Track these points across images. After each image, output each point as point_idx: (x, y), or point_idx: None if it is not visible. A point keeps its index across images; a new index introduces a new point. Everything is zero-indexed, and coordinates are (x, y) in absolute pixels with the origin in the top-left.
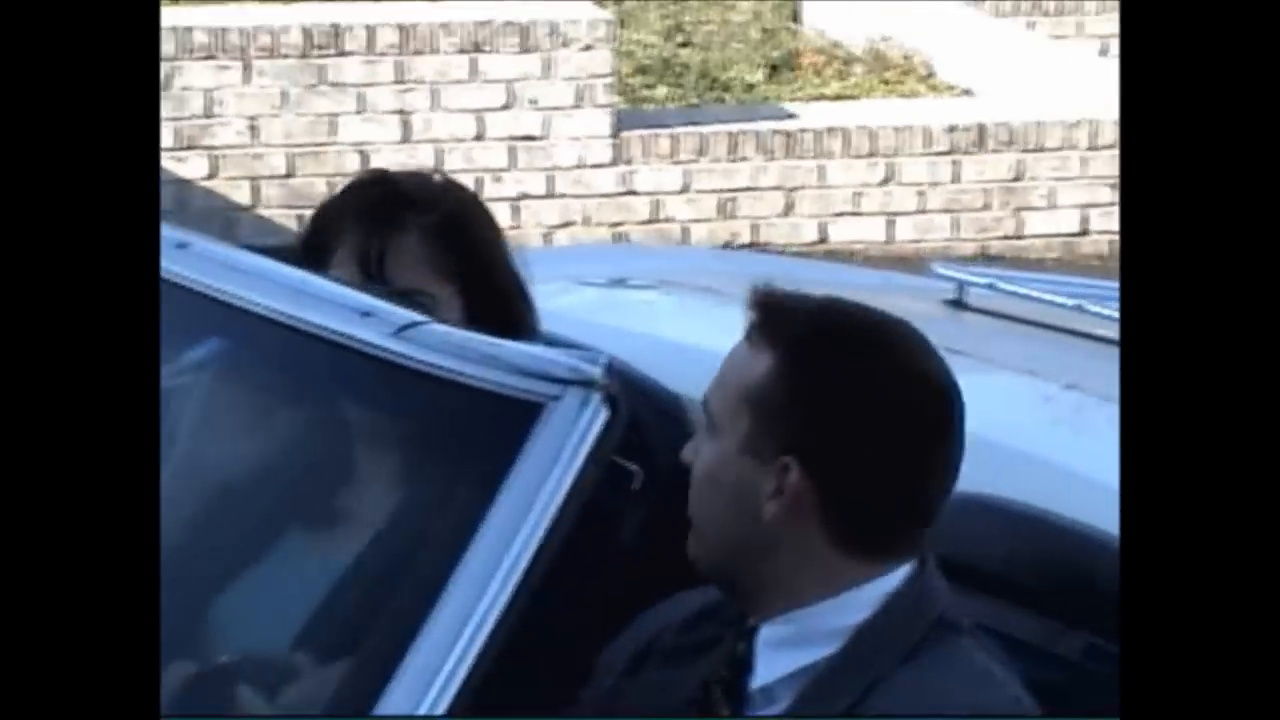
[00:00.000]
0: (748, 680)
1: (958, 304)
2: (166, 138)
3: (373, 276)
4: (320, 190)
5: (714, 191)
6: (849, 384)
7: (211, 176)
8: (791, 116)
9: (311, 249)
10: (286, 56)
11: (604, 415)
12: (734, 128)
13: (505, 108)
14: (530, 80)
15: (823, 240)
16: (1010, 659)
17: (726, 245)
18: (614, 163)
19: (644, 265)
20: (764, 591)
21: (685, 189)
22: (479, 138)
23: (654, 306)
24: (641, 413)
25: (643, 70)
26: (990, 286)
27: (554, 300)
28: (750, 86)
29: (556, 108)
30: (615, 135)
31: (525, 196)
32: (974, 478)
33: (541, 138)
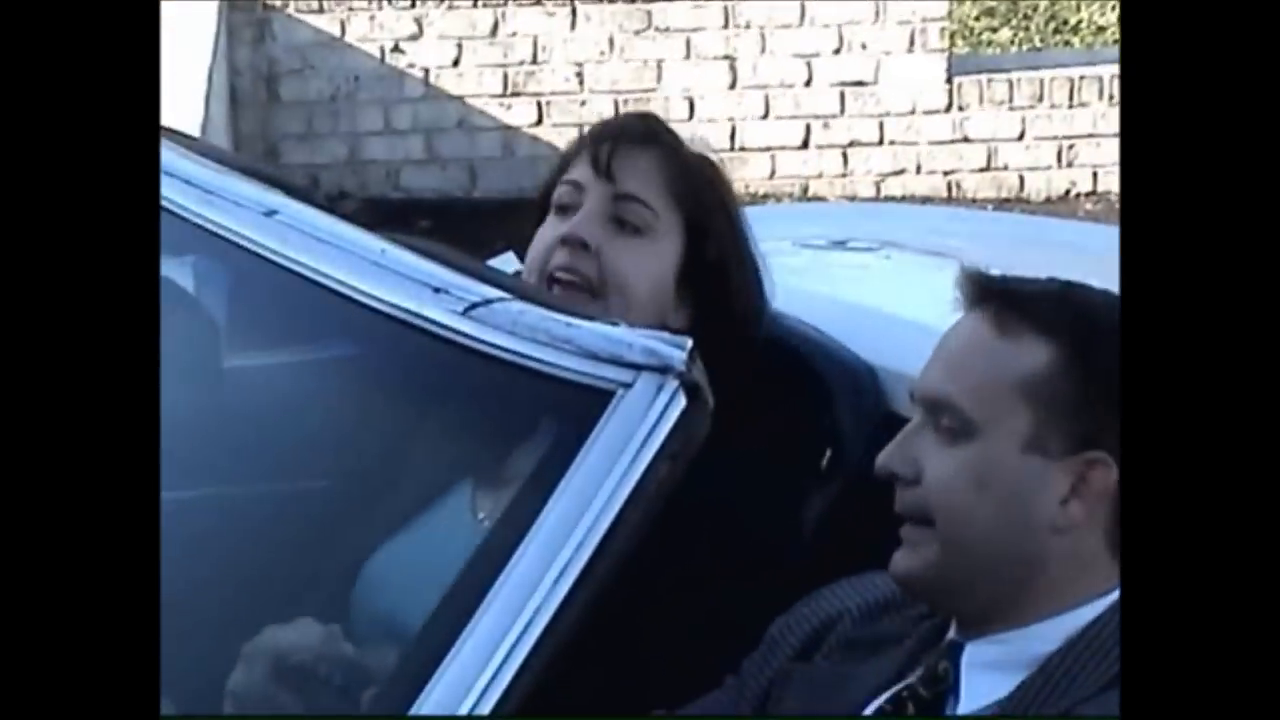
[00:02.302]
0: (948, 703)
1: None
2: (494, 83)
3: (599, 171)
4: None
5: (1052, 139)
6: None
7: (538, 123)
8: None
9: (557, 168)
10: (614, 1)
11: (681, 404)
12: (1075, 72)
13: (835, 52)
14: (861, 24)
15: None
16: None
17: (1066, 195)
18: (947, 109)
19: (871, 226)
20: (1001, 606)
21: (1022, 136)
22: (808, 83)
23: (869, 271)
24: (833, 388)
25: (988, 13)
26: None
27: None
28: (1101, 29)
29: (888, 52)
30: (949, 80)
31: (855, 143)
32: None
33: (872, 83)
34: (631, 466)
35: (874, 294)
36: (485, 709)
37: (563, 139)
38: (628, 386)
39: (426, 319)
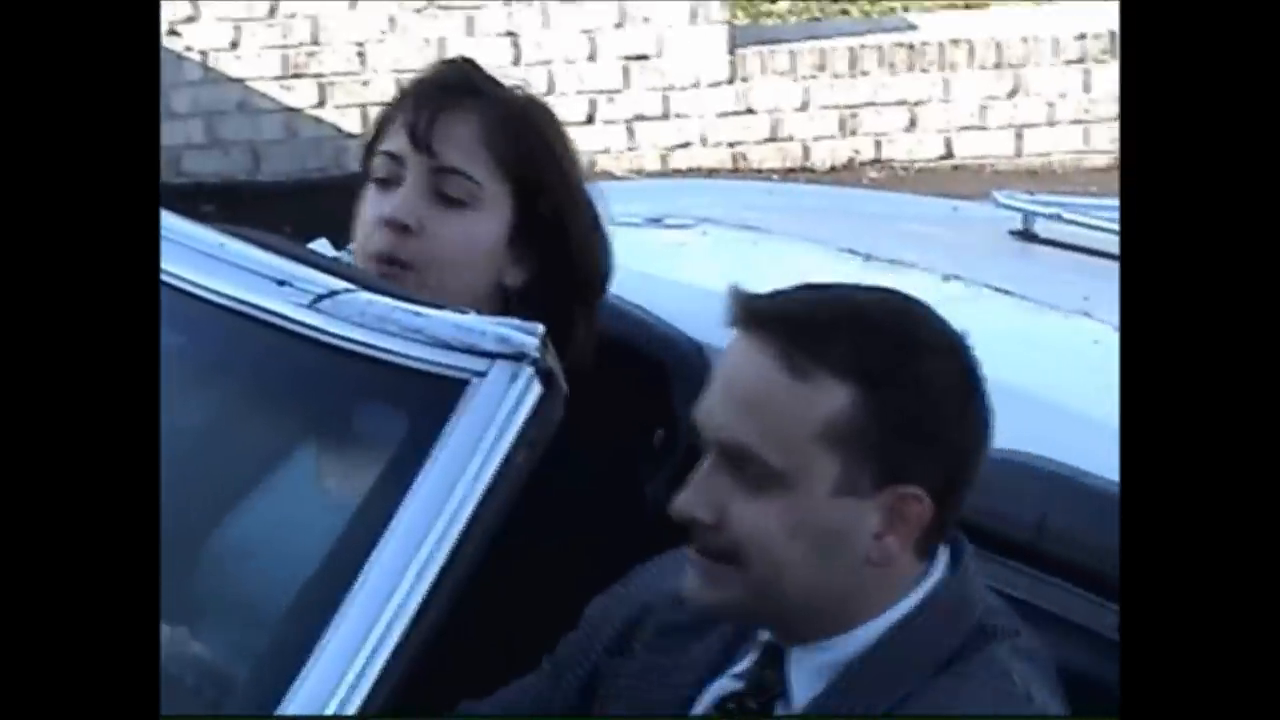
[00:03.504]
0: (776, 706)
1: (1024, 234)
2: (274, 65)
3: (418, 145)
4: None
5: (835, 108)
6: (933, 392)
7: (320, 104)
8: (914, 28)
9: (375, 134)
10: None
11: (536, 391)
12: (855, 41)
13: (618, 26)
14: None
15: (948, 155)
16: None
17: (849, 163)
18: (731, 80)
19: (686, 203)
20: (821, 618)
21: (805, 106)
22: (591, 58)
23: (687, 248)
24: (661, 366)
25: None
26: (1057, 217)
27: None
28: None
29: (670, 25)
30: (731, 52)
31: (640, 117)
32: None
33: (655, 56)
34: (490, 455)
35: (693, 270)
36: (353, 705)
37: (346, 119)
38: (481, 375)
39: (272, 313)
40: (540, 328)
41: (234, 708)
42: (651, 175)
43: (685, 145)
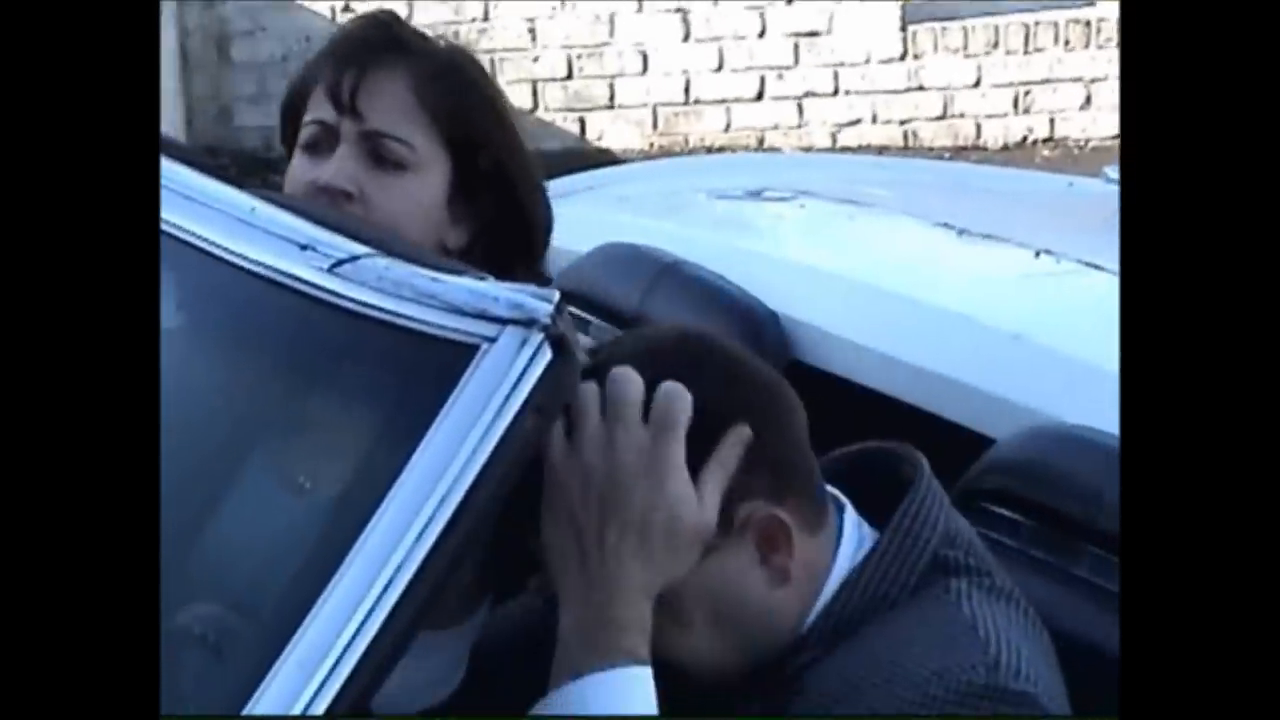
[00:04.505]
0: None
1: None
2: None
3: (343, 110)
4: (599, 91)
5: (1008, 85)
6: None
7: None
8: (1090, 4)
9: (294, 96)
10: None
11: (546, 357)
12: (1030, 17)
13: (788, 2)
14: None
15: None
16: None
17: (1022, 141)
18: (902, 57)
19: (787, 176)
20: (773, 649)
21: (978, 83)
22: (761, 34)
23: (783, 220)
24: (735, 334)
25: None
26: None
27: (679, 214)
28: None
29: (841, 1)
30: (904, 28)
31: (810, 94)
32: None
33: (826, 32)
34: (496, 419)
35: (786, 243)
36: (348, 666)
37: (517, 95)
38: (492, 340)
39: (292, 276)
40: (555, 294)
41: (239, 656)
42: (821, 152)
43: (855, 122)
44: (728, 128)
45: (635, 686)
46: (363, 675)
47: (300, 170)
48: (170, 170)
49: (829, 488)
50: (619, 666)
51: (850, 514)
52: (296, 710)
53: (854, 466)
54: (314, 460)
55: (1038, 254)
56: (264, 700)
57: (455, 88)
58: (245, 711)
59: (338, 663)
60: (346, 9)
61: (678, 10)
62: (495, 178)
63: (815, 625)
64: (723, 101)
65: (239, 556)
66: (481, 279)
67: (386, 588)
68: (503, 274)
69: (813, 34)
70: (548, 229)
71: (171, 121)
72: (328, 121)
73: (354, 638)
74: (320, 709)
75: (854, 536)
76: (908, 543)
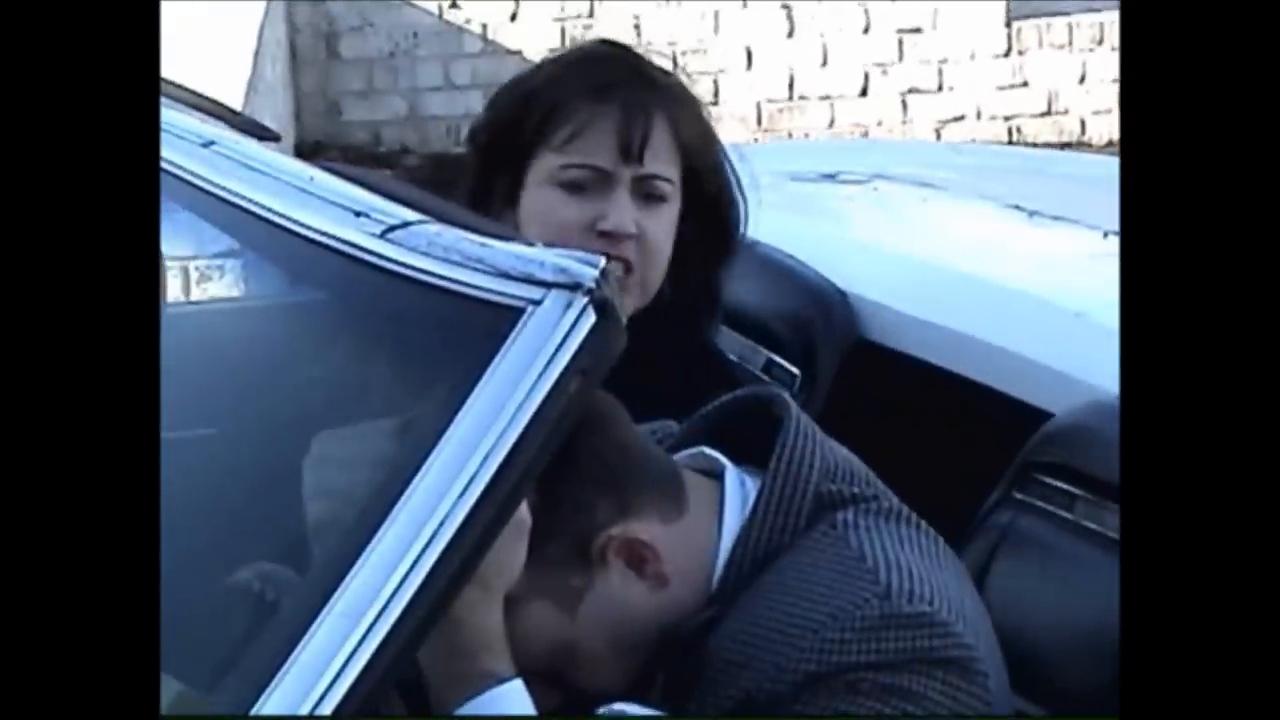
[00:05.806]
0: None
1: None
2: (553, 37)
3: (630, 159)
4: (704, 88)
5: (1114, 81)
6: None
7: None
8: None
9: (525, 127)
10: None
11: (590, 320)
12: None
13: None
14: None
15: None
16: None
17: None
18: (1007, 53)
19: (862, 160)
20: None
21: (1082, 79)
22: (866, 30)
23: (855, 203)
24: (803, 313)
25: None
26: None
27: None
28: None
29: None
30: (1008, 24)
31: (914, 90)
32: None
33: (930, 28)
34: (539, 381)
35: (858, 225)
36: (388, 621)
37: None
38: (537, 304)
39: (346, 242)
40: (601, 260)
41: (287, 609)
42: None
43: (959, 118)
44: (831, 124)
45: (507, 702)
46: (402, 631)
47: (567, 210)
48: (232, 141)
49: (706, 451)
50: (485, 691)
51: (731, 473)
52: (339, 660)
53: (727, 417)
54: (364, 418)
55: (1105, 235)
56: (309, 648)
57: (695, 120)
58: (263, 701)
59: (380, 615)
60: (454, 5)
61: (782, 7)
62: (713, 200)
63: (716, 589)
64: (826, 98)
65: (295, 515)
66: (529, 244)
67: (430, 541)
68: (705, 278)
69: (917, 30)
70: (742, 235)
71: (280, 116)
72: (605, 168)
73: (396, 590)
74: (364, 659)
75: (738, 495)
76: (788, 488)
